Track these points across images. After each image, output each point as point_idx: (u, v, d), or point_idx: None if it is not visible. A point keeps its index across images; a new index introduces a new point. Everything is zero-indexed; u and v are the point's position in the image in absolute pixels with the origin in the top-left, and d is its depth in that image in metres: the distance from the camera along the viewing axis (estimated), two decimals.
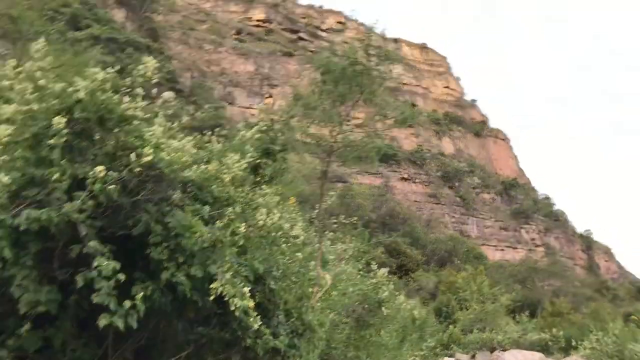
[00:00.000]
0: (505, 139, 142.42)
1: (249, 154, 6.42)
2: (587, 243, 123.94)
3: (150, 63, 5.22)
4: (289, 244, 6.84)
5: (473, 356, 24.83)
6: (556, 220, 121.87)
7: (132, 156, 4.55)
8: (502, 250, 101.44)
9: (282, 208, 7.32)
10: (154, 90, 5.66)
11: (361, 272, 12.35)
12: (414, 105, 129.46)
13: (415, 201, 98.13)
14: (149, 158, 4.58)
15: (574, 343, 22.88)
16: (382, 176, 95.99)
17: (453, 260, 46.60)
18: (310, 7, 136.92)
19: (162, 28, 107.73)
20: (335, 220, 13.18)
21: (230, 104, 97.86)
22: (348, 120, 9.23)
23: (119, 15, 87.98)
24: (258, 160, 6.92)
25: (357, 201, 38.14)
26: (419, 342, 15.65)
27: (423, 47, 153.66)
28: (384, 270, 11.24)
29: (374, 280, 10.81)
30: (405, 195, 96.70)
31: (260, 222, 5.73)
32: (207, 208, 5.20)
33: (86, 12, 65.59)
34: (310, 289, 7.27)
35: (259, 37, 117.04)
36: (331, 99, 8.66)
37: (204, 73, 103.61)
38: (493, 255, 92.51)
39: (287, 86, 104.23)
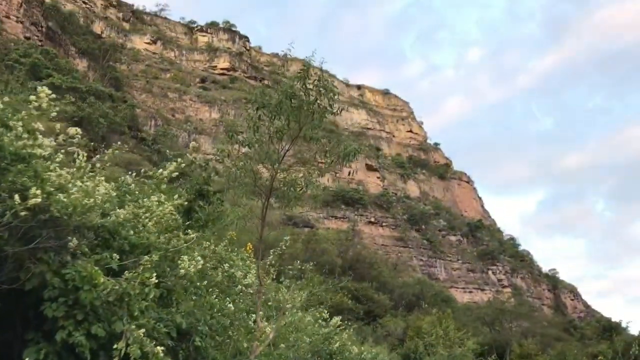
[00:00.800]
0: (469, 181, 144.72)
1: (176, 196, 5.85)
2: (553, 282, 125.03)
3: (43, 93, 4.66)
4: (221, 295, 6.18)
5: None
6: (522, 260, 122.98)
7: (16, 198, 3.94)
8: (471, 292, 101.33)
9: (222, 254, 6.74)
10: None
11: (319, 321, 11.63)
12: (378, 149, 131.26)
13: (383, 245, 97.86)
14: (37, 200, 3.98)
15: None
16: (349, 220, 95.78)
17: (421, 304, 45.91)
18: (275, 55, 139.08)
19: (126, 77, 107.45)
20: (290, 267, 12.45)
21: (195, 151, 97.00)
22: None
23: (81, 64, 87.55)
24: (191, 203, 6.37)
25: (322, 246, 37.42)
26: None
27: (386, 93, 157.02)
28: (336, 319, 10.57)
29: (325, 330, 10.07)
30: (372, 239, 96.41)
31: (182, 271, 5.11)
32: (116, 257, 4.59)
33: (47, 62, 64.90)
34: (245, 344, 6.56)
35: (224, 85, 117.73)
36: (268, 135, 8.16)
37: (168, 121, 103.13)
38: (461, 297, 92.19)
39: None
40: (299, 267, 10.83)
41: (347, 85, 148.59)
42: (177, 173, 6.23)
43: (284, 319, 9.04)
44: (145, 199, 5.36)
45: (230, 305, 6.44)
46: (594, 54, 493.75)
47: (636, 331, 63.92)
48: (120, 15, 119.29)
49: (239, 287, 8.66)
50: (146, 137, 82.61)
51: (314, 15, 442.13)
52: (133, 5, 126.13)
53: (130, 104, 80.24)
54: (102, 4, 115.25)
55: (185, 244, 5.42)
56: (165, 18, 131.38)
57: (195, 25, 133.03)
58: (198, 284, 5.58)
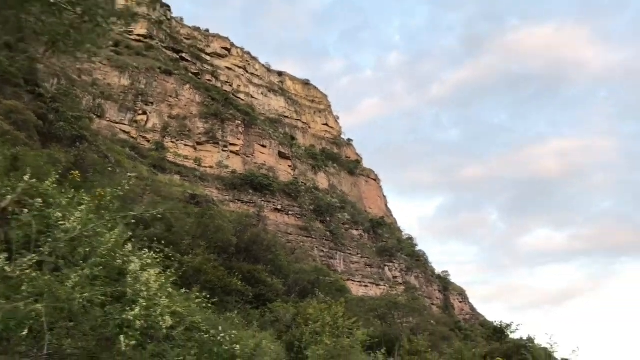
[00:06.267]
0: (376, 180, 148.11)
1: None
2: (444, 284, 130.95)
3: None
4: None
5: None
6: (417, 260, 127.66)
7: None
8: (366, 286, 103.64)
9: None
10: None
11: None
12: (293, 138, 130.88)
13: (287, 233, 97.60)
14: None
15: None
16: (256, 205, 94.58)
17: (315, 292, 45.64)
18: (196, 29, 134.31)
19: (31, 28, 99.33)
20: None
21: (98, 116, 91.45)
22: None
23: None
24: None
25: (217, 223, 36.03)
26: None
27: (306, 83, 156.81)
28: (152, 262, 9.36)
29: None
30: (277, 227, 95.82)
31: None
32: None
33: None
34: None
35: (138, 52, 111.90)
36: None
37: (73, 81, 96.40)
38: (357, 290, 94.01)
39: (163, 105, 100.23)
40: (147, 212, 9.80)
41: (269, 70, 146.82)
42: None
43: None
44: None
45: None
46: (503, 74, 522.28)
47: (520, 335, 67.93)
48: None
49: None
50: (44, 93, 76.65)
51: None
52: None
53: (30, 55, 73.86)
54: None
55: None
56: None
57: None
58: None
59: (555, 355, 29.93)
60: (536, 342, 41.24)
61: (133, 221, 10.01)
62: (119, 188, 9.87)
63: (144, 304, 7.53)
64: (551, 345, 28.44)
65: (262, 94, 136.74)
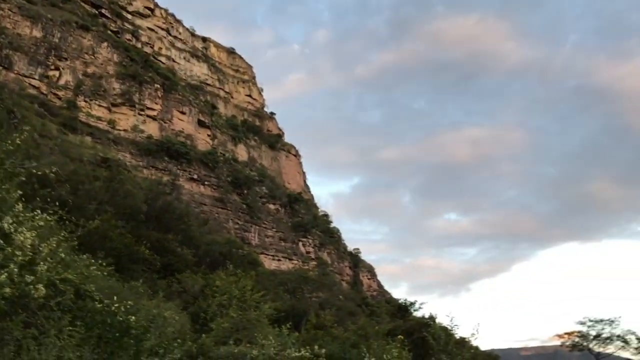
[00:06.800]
0: (296, 155, 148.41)
1: None
2: (355, 261, 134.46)
3: None
4: None
5: None
6: (331, 237, 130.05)
7: None
8: (279, 260, 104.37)
9: None
10: None
11: None
12: (214, 107, 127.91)
13: (202, 203, 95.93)
14: None
15: None
16: (171, 173, 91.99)
17: (227, 264, 45.23)
18: None
19: None
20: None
21: (6, 68, 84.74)
22: None
23: None
24: None
25: (126, 188, 34.59)
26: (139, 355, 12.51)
27: (231, 52, 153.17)
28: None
29: None
30: (192, 196, 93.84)
31: None
32: None
33: None
34: None
35: (54, 3, 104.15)
36: None
37: None
38: (269, 264, 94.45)
39: (77, 61, 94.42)
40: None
41: (193, 35, 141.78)
42: None
43: None
44: None
45: None
46: (426, 60, 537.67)
47: (423, 313, 71.24)
48: None
49: None
50: None
51: None
52: None
53: None
54: None
55: None
56: None
57: None
58: None
59: (455, 335, 31.51)
60: (437, 321, 43.23)
61: (34, 181, 9.30)
62: (9, 142, 9.08)
63: (15, 269, 6.93)
64: (452, 326, 29.88)
65: (184, 58, 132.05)
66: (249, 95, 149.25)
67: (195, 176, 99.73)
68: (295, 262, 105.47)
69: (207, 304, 28.50)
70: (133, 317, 9.96)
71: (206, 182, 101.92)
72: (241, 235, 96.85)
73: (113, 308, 9.64)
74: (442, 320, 41.20)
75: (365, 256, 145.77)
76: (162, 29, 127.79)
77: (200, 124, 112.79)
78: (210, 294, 31.42)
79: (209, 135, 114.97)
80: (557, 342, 51.68)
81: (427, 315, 53.04)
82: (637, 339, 42.78)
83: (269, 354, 22.37)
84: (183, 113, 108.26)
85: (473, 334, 27.96)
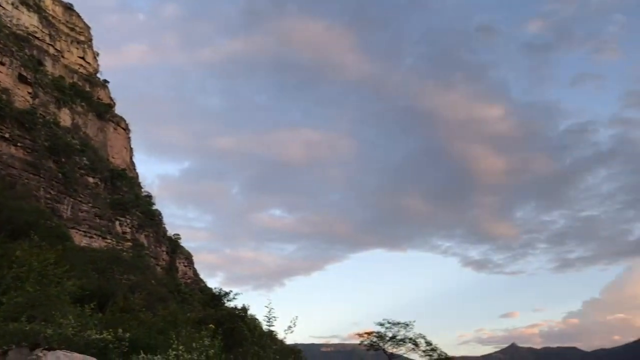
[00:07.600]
0: (126, 129, 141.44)
1: None
2: (173, 247, 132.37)
3: None
4: None
5: (5, 352, 18.12)
6: (152, 219, 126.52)
7: None
8: (92, 237, 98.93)
9: None
10: None
11: None
12: (40, 63, 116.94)
13: (11, 166, 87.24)
14: None
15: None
16: None
17: (31, 235, 42.62)
18: None
19: None
20: None
21: None
22: None
23: None
24: None
25: None
26: None
27: (68, 8, 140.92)
28: None
29: None
30: (0, 157, 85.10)
31: None
32: None
33: None
34: None
35: None
36: None
37: None
38: (80, 240, 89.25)
39: None
40: None
41: None
42: None
43: None
44: None
45: None
46: (274, 57, 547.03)
47: (236, 304, 73.24)
48: None
49: None
50: None
51: None
52: None
53: None
54: None
55: None
56: None
57: None
58: None
59: (270, 328, 33.34)
60: (250, 312, 45.29)
61: None
62: None
63: None
64: (269, 318, 31.64)
65: (11, 4, 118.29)
66: (82, 58, 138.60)
67: (7, 135, 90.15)
68: (110, 241, 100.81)
69: (1, 275, 26.57)
70: None
71: (19, 144, 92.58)
72: (52, 206, 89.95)
73: None
74: (255, 311, 43.44)
75: (185, 243, 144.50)
76: None
77: (21, 79, 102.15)
78: (6, 265, 29.32)
79: (29, 93, 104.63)
80: (356, 341, 54.21)
81: (239, 306, 54.92)
82: (427, 342, 46.50)
83: (66, 334, 21.10)
84: (2, 64, 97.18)
85: (290, 327, 29.65)
